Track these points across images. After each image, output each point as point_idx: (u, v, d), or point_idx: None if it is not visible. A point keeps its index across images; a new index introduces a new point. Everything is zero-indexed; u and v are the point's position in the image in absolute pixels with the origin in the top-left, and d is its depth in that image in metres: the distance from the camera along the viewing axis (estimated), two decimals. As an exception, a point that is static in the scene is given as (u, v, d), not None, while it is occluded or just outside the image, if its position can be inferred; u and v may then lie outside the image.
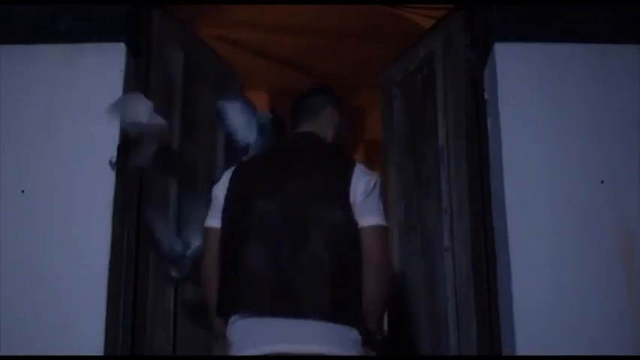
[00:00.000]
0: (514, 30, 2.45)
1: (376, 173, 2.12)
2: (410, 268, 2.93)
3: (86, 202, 2.34)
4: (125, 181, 2.41)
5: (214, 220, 2.11)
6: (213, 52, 3.17)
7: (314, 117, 2.22)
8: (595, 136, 2.36)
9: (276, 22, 4.12)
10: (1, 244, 2.29)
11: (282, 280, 1.93)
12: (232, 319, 1.97)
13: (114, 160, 2.37)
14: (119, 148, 2.39)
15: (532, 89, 2.40)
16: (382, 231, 2.02)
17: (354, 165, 2.07)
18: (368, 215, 1.99)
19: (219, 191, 2.13)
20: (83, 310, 2.25)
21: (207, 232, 2.13)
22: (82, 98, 2.43)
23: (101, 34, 2.49)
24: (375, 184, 2.04)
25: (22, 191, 2.35)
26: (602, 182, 2.31)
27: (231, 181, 2.13)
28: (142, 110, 2.37)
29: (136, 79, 2.54)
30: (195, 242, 2.45)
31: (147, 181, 2.53)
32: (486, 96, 2.50)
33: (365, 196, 2.00)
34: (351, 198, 2.00)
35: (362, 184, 2.01)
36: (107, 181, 2.36)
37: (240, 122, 2.68)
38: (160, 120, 2.42)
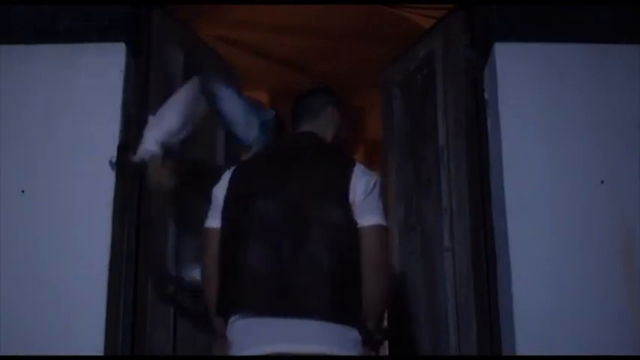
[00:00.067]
0: (514, 30, 2.45)
1: (376, 173, 2.12)
2: (410, 268, 2.93)
3: (86, 202, 2.34)
4: (125, 181, 2.41)
5: (214, 221, 2.11)
6: (213, 52, 3.17)
7: (314, 117, 2.22)
8: (595, 136, 2.36)
9: (276, 22, 4.12)
10: (1, 244, 2.29)
11: (282, 280, 1.93)
12: (232, 319, 1.97)
13: (114, 160, 2.37)
14: (119, 148, 2.39)
15: (532, 89, 2.40)
16: (382, 231, 2.01)
17: (353, 165, 2.07)
18: (367, 215, 1.99)
19: (219, 191, 2.13)
20: (83, 310, 2.25)
21: (207, 232, 2.13)
22: (82, 98, 2.43)
23: (101, 34, 2.49)
24: (374, 184, 2.04)
25: (22, 191, 2.35)
26: (602, 182, 2.31)
27: (231, 181, 2.13)
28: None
29: (136, 79, 2.54)
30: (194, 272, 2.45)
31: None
32: (486, 96, 2.50)
33: (365, 196, 2.00)
34: (351, 198, 2.00)
35: (362, 184, 2.01)
36: (107, 181, 2.36)
37: (241, 118, 2.68)
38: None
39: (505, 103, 2.38)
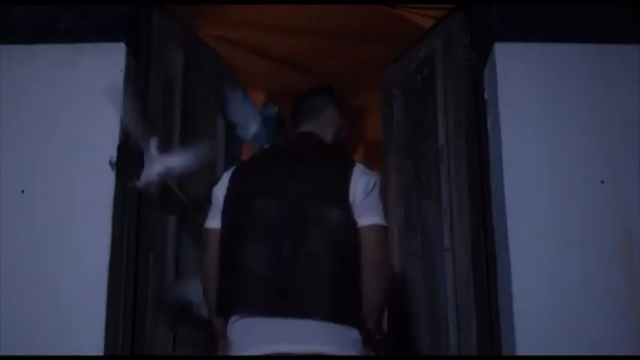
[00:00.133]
0: (514, 30, 2.45)
1: (376, 173, 2.12)
2: (410, 268, 2.93)
3: (86, 202, 2.34)
4: (125, 181, 2.41)
5: (214, 221, 2.11)
6: (213, 52, 3.17)
7: (314, 117, 2.22)
8: (595, 136, 2.36)
9: (276, 22, 4.12)
10: (1, 244, 2.29)
11: (282, 280, 1.93)
12: (232, 319, 1.97)
13: (114, 160, 2.37)
14: (119, 148, 2.38)
15: (532, 89, 2.40)
16: (381, 230, 2.02)
17: (353, 165, 2.07)
18: (367, 215, 1.99)
19: (219, 191, 2.13)
20: (83, 310, 2.25)
21: (207, 232, 2.13)
22: (82, 98, 2.43)
23: (101, 34, 2.48)
24: (374, 184, 2.04)
25: (22, 191, 2.35)
26: (602, 182, 2.31)
27: (231, 181, 2.13)
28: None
29: (136, 79, 2.54)
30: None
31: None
32: (486, 96, 2.50)
33: (364, 196, 2.00)
34: (351, 198, 2.00)
35: (361, 184, 2.01)
36: (107, 181, 2.36)
37: (242, 115, 2.69)
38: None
39: (505, 103, 2.38)
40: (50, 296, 2.26)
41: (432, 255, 2.79)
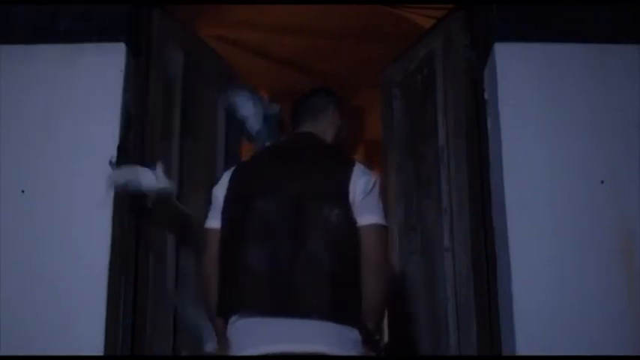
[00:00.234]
0: (514, 30, 2.44)
1: (376, 173, 2.12)
2: (410, 268, 2.93)
3: (86, 202, 2.34)
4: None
5: (214, 221, 2.11)
6: (213, 52, 3.17)
7: (314, 117, 2.22)
8: (595, 136, 2.36)
9: (276, 22, 4.12)
10: (1, 244, 2.29)
11: (282, 280, 1.93)
12: (232, 319, 1.97)
13: (114, 160, 2.37)
14: (119, 148, 2.38)
15: (532, 89, 2.40)
16: (381, 230, 2.02)
17: (353, 165, 2.07)
18: (367, 214, 1.99)
19: (219, 192, 2.13)
20: (83, 310, 2.25)
21: (207, 232, 2.13)
22: (82, 98, 2.43)
23: (101, 34, 2.48)
24: (374, 184, 2.04)
25: (22, 191, 2.35)
26: (602, 182, 2.31)
27: (231, 181, 2.13)
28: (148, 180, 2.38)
29: (136, 79, 2.54)
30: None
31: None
32: (486, 96, 2.50)
33: (364, 196, 2.00)
34: (351, 197, 2.00)
35: (361, 184, 2.01)
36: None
37: (250, 111, 2.69)
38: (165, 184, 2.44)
39: (505, 103, 2.38)
40: (50, 296, 2.26)
41: (432, 255, 2.79)
